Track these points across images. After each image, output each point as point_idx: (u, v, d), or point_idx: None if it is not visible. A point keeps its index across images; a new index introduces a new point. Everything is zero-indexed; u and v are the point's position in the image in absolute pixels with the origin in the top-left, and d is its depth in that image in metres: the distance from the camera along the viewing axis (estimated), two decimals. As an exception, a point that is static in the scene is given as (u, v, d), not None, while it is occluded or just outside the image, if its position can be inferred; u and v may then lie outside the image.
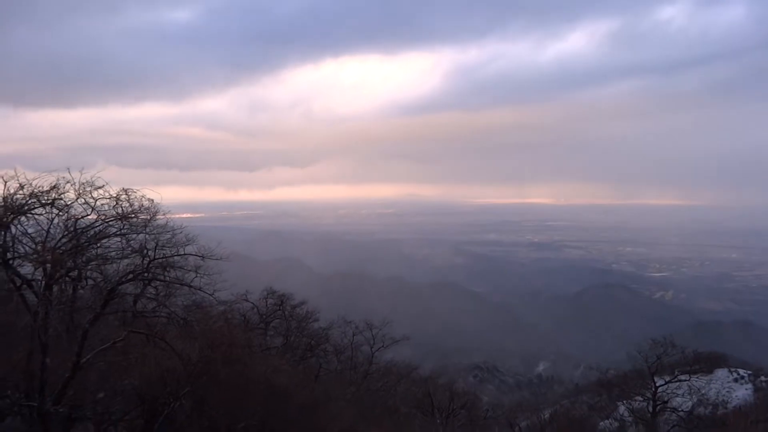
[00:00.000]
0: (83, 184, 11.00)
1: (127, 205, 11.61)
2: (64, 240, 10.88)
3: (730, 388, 34.87)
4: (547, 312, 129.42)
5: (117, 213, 11.58)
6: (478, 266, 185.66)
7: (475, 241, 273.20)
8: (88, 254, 11.32)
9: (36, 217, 10.72)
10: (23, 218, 10.61)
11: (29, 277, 10.27)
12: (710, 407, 27.42)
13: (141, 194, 11.73)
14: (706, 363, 29.08)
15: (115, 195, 11.51)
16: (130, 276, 11.92)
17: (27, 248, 10.46)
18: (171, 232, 12.54)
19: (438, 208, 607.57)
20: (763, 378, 36.57)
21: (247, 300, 22.39)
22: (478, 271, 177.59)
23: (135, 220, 11.84)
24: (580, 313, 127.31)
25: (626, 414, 24.94)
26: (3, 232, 10.08)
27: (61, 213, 10.88)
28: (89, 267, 11.50)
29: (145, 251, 12.26)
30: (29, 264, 10.18)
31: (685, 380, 24.39)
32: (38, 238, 10.63)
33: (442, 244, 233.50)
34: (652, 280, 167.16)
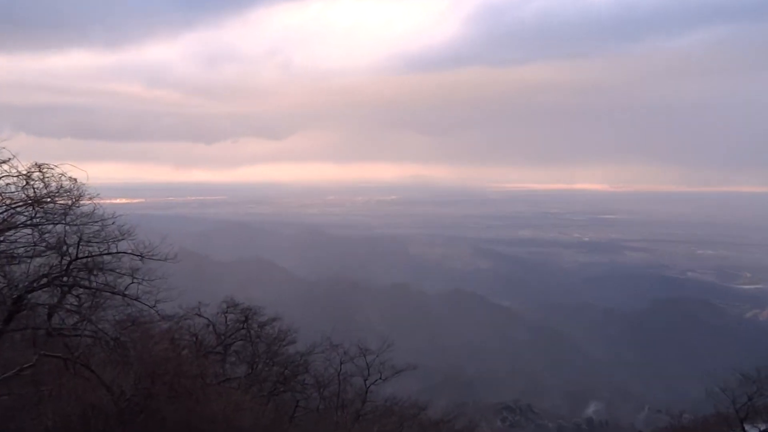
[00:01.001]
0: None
1: (41, 185, 11.24)
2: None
3: None
4: (600, 335, 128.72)
5: (27, 196, 11.23)
6: (508, 272, 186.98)
7: (503, 239, 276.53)
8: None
9: None
10: None
11: None
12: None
13: (60, 172, 11.40)
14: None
15: (24, 172, 11.14)
16: (44, 281, 11.84)
17: None
18: (100, 223, 12.29)
19: (455, 194, 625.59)
20: None
21: (200, 315, 22.36)
22: (508, 278, 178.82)
23: (51, 205, 11.52)
24: (644, 336, 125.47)
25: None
26: None
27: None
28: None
29: (65, 248, 11.98)
30: None
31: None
32: None
33: (461, 243, 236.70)
34: (743, 293, 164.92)
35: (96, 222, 12.50)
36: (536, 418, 69.63)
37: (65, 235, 12.22)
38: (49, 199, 11.63)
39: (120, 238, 12.73)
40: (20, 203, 11.45)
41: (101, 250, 12.55)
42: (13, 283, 11.36)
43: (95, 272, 12.35)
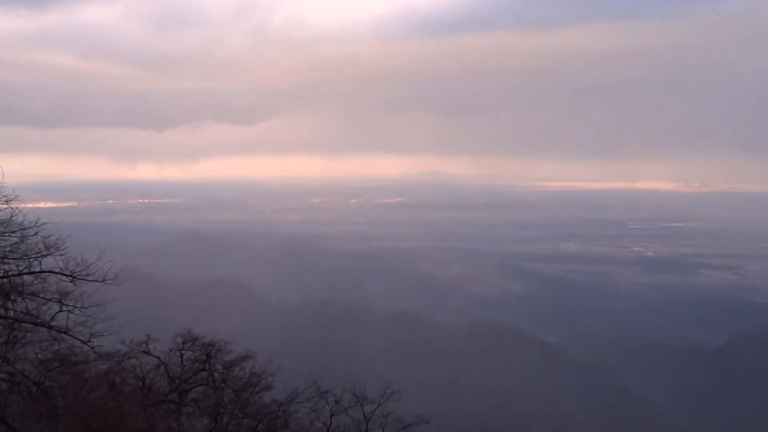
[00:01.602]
0: None
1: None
2: None
3: None
4: (670, 378, 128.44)
5: None
6: (548, 298, 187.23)
7: (542, 254, 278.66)
8: None
9: None
10: None
11: None
12: None
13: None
14: None
15: None
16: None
17: None
18: (19, 234, 12.26)
19: (479, 196, 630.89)
20: None
21: (149, 353, 22.41)
22: (548, 306, 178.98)
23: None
24: (727, 380, 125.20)
25: None
26: None
27: None
28: None
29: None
30: None
31: None
32: None
33: (486, 259, 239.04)
34: None
35: (14, 232, 12.39)
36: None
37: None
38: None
39: (45, 253, 12.56)
40: None
41: (20, 268, 12.42)
42: None
43: (12, 297, 12.26)
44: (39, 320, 12.55)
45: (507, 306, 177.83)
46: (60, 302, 12.94)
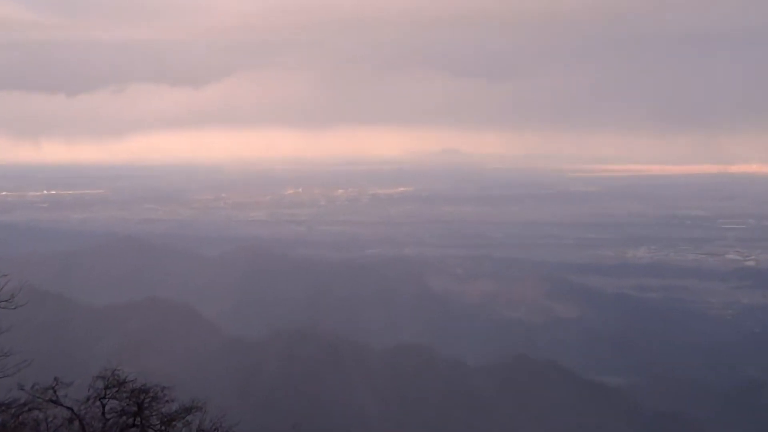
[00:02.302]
0: None
1: None
2: None
3: None
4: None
5: None
6: (612, 326, 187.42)
7: (601, 263, 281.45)
8: None
9: None
10: None
11: None
12: None
13: None
14: None
15: None
16: None
17: None
18: None
19: (513, 183, 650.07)
20: None
21: (58, 402, 22.24)
22: (612, 336, 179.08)
23: None
24: None
25: None
26: None
27: None
28: None
29: None
30: None
31: None
32: None
33: (524, 271, 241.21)
34: None
35: None
36: None
37: None
38: None
39: None
40: None
41: None
42: None
43: None
44: None
45: (554, 337, 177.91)
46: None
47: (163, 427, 22.45)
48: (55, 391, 21.64)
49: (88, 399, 22.30)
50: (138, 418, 22.17)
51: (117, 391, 22.49)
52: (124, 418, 22.21)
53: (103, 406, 22.29)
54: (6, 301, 13.47)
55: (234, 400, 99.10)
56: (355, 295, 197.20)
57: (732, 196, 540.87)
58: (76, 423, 21.73)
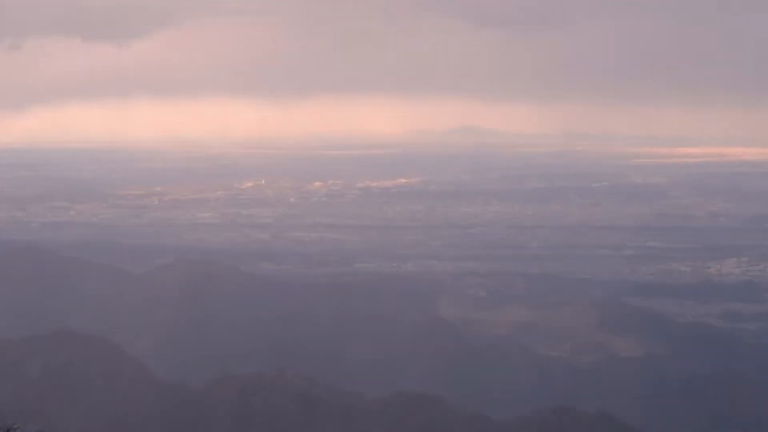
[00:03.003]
0: None
1: None
2: None
3: None
4: None
5: None
6: (687, 367, 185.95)
7: (674, 282, 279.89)
8: None
9: None
10: None
11: None
12: None
13: None
14: None
15: None
16: None
17: None
18: None
19: (550, 172, 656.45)
20: None
21: None
22: (688, 381, 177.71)
23: None
24: None
25: None
26: None
27: None
28: None
29: None
30: None
31: None
32: None
33: (567, 291, 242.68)
34: None
35: None
36: None
37: None
38: None
39: None
40: None
41: None
42: None
43: None
44: None
45: (608, 383, 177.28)
46: None
47: None
48: None
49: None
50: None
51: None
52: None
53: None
54: None
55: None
56: (337, 326, 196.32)
57: None
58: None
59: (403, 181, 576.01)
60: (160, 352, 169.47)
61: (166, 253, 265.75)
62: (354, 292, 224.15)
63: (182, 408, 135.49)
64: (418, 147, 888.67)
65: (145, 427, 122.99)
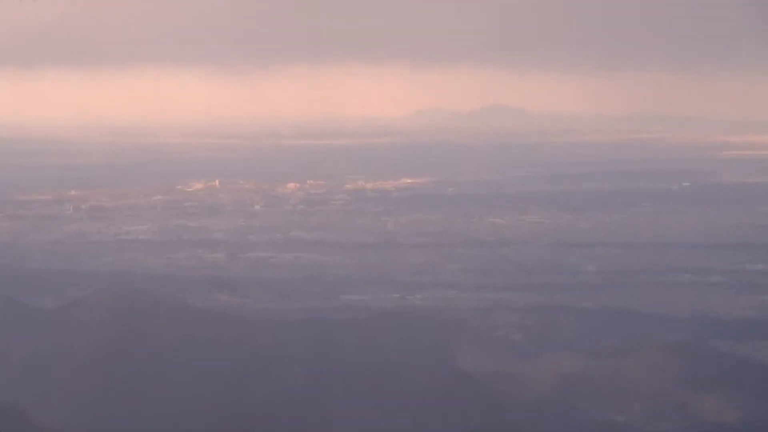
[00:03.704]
0: None
1: None
2: None
3: None
4: None
5: None
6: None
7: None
8: None
9: None
10: None
11: None
12: None
13: None
14: None
15: None
16: None
17: None
18: None
19: (610, 168, 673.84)
20: None
21: None
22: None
23: None
24: None
25: None
26: None
27: None
28: None
29: None
30: None
31: None
32: None
33: (638, 333, 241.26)
34: None
35: None
36: None
37: None
38: None
39: None
40: None
41: None
42: None
43: None
44: None
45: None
46: None
47: None
48: None
49: None
50: None
51: None
52: None
53: None
54: None
55: None
56: (318, 385, 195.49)
57: None
58: None
59: (409, 181, 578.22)
60: (74, 418, 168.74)
61: (83, 281, 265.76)
62: (341, 336, 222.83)
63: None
64: (430, 134, 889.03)
65: None
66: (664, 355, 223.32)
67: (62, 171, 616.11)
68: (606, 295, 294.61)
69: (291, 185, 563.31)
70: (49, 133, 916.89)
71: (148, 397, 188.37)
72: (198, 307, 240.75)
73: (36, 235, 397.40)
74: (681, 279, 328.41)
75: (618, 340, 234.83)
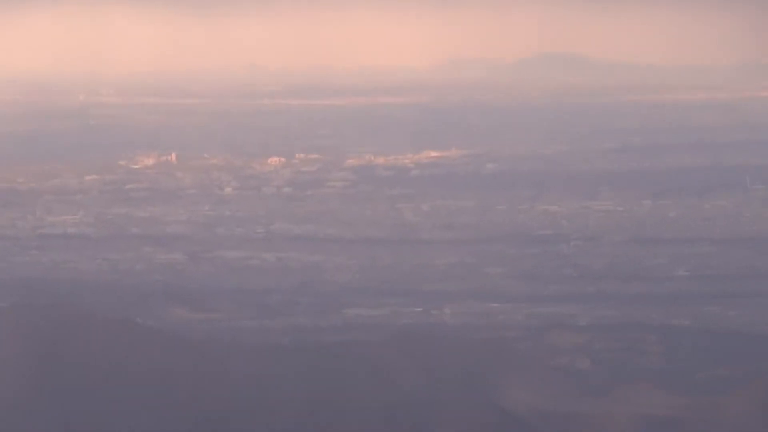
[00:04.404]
0: None
1: None
2: None
3: None
4: None
5: None
6: None
7: None
8: None
9: None
10: None
11: None
12: None
13: None
14: None
15: None
16: None
17: None
18: None
19: (725, 140, 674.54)
20: None
21: None
22: None
23: None
24: None
25: None
26: None
27: None
28: None
29: None
30: None
31: None
32: None
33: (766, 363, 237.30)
34: None
35: None
36: None
37: None
38: None
39: None
40: None
41: None
42: None
43: None
44: None
45: None
46: None
47: None
48: None
49: None
50: None
51: None
52: None
53: None
54: None
55: None
56: (314, 429, 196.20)
57: None
58: None
59: (435, 154, 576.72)
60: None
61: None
62: (343, 367, 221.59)
63: None
64: (464, 91, 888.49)
65: None
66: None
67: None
68: (703, 308, 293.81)
69: (274, 160, 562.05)
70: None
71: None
72: (148, 327, 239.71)
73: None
74: None
75: (720, 370, 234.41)
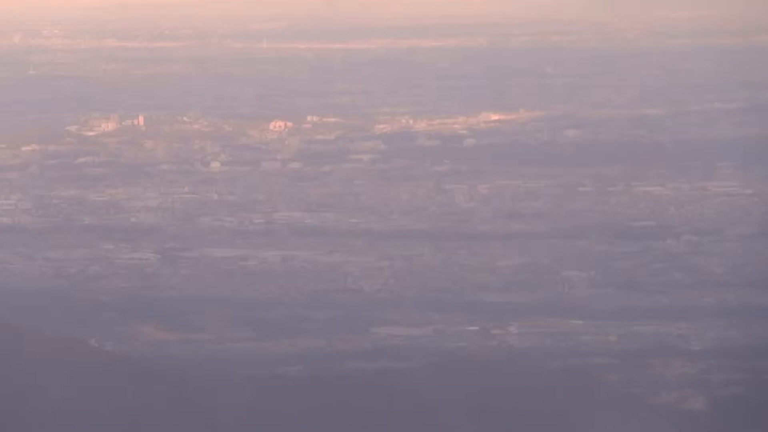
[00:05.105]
0: None
1: None
2: None
3: None
4: None
5: None
6: None
7: None
8: None
9: None
10: None
11: None
12: None
13: None
14: None
15: None
16: None
17: None
18: None
19: None
20: None
21: None
22: None
23: None
24: None
25: None
26: None
27: None
28: None
29: None
30: None
31: None
32: None
33: None
34: None
35: None
36: None
37: None
38: None
39: None
40: None
41: None
42: None
43: None
44: None
45: None
46: None
47: None
48: None
49: None
50: None
51: None
52: None
53: None
54: None
55: None
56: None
57: None
58: None
59: (496, 117, 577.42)
60: None
61: None
62: (374, 404, 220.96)
63: None
64: (530, 27, 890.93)
65: None
66: None
67: None
68: None
69: (277, 125, 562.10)
70: None
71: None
72: (106, 352, 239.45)
73: None
74: None
75: None
